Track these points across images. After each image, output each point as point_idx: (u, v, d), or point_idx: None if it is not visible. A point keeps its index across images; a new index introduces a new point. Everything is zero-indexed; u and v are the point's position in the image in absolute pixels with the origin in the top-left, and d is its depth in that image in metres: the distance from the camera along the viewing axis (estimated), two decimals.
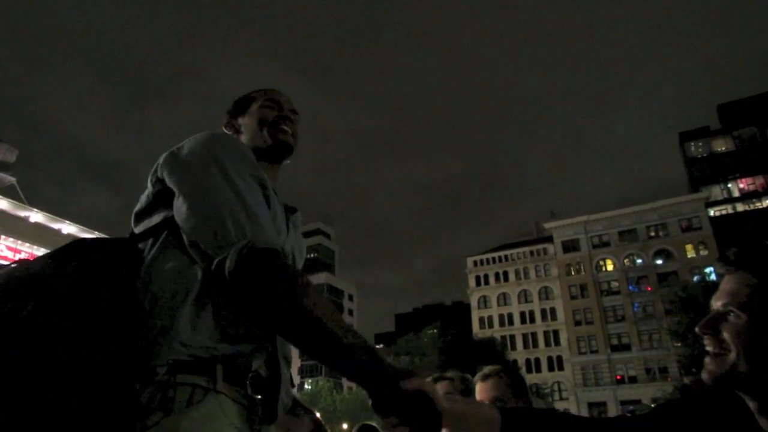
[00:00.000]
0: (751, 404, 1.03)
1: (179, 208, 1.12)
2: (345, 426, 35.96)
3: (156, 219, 1.17)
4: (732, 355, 1.00)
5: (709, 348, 1.04)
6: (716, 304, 1.06)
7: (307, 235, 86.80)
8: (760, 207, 51.81)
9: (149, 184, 1.22)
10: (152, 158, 1.26)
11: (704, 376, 1.04)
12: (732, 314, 1.03)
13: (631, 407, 43.65)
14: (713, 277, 45.48)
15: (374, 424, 4.36)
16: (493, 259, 63.07)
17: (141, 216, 1.22)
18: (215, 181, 1.12)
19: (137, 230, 1.21)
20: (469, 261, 64.61)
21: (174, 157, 1.20)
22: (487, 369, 2.02)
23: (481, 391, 1.95)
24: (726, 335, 1.02)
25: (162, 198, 1.18)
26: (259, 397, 1.12)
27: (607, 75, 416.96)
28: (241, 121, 1.50)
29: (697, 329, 1.07)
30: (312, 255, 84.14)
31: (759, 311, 1.00)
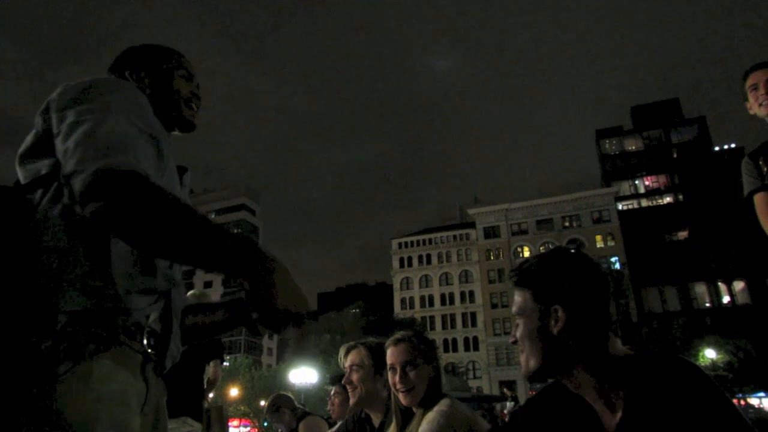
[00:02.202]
0: (569, 384, 1.19)
1: (58, 144, 1.06)
2: (263, 403, 35.78)
3: (44, 165, 1.11)
4: (524, 356, 1.21)
5: (520, 353, 1.24)
6: (513, 313, 1.27)
7: (231, 210, 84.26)
8: (662, 203, 55.99)
9: (39, 120, 1.13)
10: None
11: (521, 373, 1.24)
12: (517, 320, 1.24)
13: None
14: (617, 266, 48.92)
15: (289, 394, 4.52)
16: (418, 242, 64.26)
17: (26, 157, 1.14)
18: (100, 118, 1.05)
19: (23, 175, 1.13)
20: (394, 243, 65.46)
21: (65, 91, 1.13)
22: (399, 334, 2.04)
23: (392, 354, 1.97)
24: (519, 340, 1.22)
25: (50, 137, 1.10)
26: (151, 350, 1.13)
27: (532, 71, 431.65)
28: (147, 77, 1.37)
29: (510, 340, 1.28)
30: (235, 230, 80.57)
31: (528, 315, 1.21)
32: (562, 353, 1.15)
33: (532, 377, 1.20)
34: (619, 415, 1.07)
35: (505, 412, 14.06)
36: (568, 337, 1.14)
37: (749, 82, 2.39)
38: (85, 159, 0.97)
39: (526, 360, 1.20)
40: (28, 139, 1.14)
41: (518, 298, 1.24)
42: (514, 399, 14.62)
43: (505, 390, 18.04)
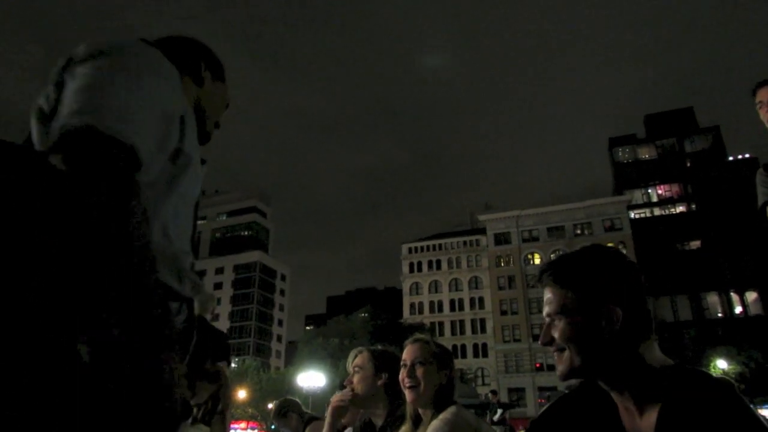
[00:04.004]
0: (603, 385, 1.17)
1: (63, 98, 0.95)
2: (270, 405, 35.87)
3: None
4: (566, 353, 1.15)
5: (554, 353, 1.19)
6: (544, 314, 1.22)
7: (242, 212, 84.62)
8: (674, 212, 55.49)
9: (55, 76, 1.00)
10: None
11: (557, 375, 1.19)
12: (555, 320, 1.18)
13: (547, 393, 46.10)
14: None
15: (296, 399, 4.54)
16: (428, 247, 64.20)
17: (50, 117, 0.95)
18: (108, 77, 0.95)
19: (41, 138, 0.96)
20: (404, 248, 65.47)
21: (87, 46, 1.01)
22: (418, 335, 2.15)
23: (407, 352, 2.07)
24: (557, 339, 1.17)
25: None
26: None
27: (545, 78, 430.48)
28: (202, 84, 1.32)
29: (539, 343, 1.22)
30: (246, 233, 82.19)
31: (573, 314, 1.16)
32: (611, 353, 1.12)
33: (571, 376, 1.17)
34: (648, 423, 1.06)
35: (495, 419, 13.00)
36: (619, 337, 1.12)
37: (757, 98, 2.42)
38: (74, 111, 0.88)
39: (570, 359, 1.15)
40: (51, 96, 0.98)
41: (555, 297, 1.19)
42: (502, 406, 13.88)
43: (489, 395, 16.17)
